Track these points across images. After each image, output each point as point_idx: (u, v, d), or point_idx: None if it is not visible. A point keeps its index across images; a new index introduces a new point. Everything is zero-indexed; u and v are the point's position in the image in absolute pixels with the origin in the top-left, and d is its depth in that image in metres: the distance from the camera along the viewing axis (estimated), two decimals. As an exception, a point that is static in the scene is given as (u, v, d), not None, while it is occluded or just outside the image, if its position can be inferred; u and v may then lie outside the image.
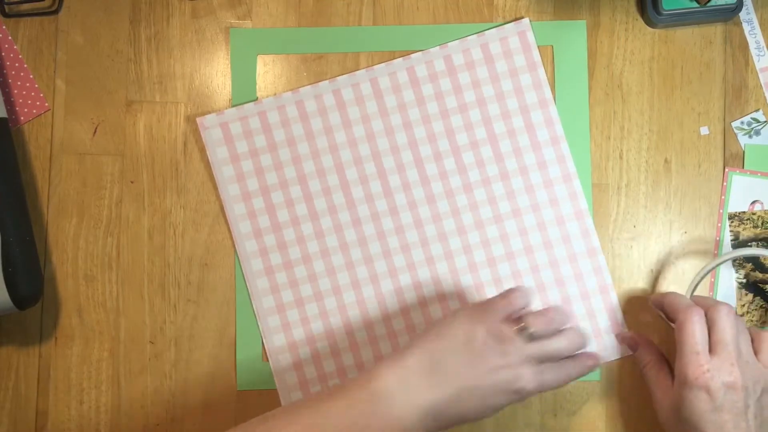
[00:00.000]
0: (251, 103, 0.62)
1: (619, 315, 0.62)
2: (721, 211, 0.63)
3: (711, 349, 0.52)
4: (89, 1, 0.64)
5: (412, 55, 0.62)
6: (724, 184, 0.63)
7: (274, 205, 0.62)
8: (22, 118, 0.64)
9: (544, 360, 0.53)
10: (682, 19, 0.62)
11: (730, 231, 0.62)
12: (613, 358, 0.62)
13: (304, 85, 0.63)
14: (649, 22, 0.63)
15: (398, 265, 0.62)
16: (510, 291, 0.55)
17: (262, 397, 0.62)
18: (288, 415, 0.50)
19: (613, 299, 0.62)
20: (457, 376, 0.51)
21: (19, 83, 0.64)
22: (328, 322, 0.61)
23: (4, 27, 0.64)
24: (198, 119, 0.62)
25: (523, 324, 0.53)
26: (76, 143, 0.64)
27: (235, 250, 0.62)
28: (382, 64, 0.62)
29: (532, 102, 0.62)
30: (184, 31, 0.64)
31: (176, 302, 0.63)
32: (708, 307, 0.54)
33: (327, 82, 0.62)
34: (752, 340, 0.54)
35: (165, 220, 0.63)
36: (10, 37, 0.64)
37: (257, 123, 0.62)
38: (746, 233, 0.62)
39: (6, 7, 0.63)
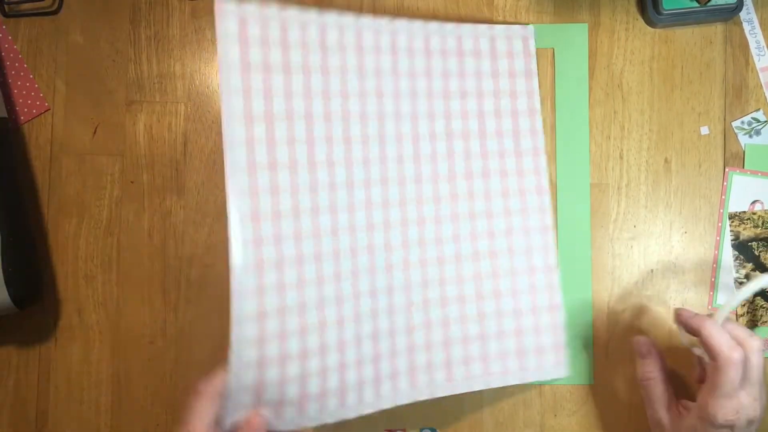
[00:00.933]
0: (275, 7, 0.55)
1: (562, 337, 0.61)
2: (721, 211, 0.63)
3: (741, 384, 0.52)
4: (89, 1, 0.64)
5: (431, 24, 0.60)
6: (725, 183, 0.63)
7: (275, 139, 0.54)
8: (22, 118, 0.64)
9: None
10: (682, 19, 0.62)
11: (731, 231, 0.62)
12: (551, 377, 0.60)
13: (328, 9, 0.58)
14: (649, 22, 0.63)
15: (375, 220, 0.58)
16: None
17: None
18: None
19: (560, 319, 0.61)
20: None
21: (19, 83, 0.64)
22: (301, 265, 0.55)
23: (4, 27, 0.64)
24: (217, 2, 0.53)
25: None
26: (76, 143, 0.64)
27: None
28: (404, 21, 0.59)
29: (522, 108, 0.62)
30: (184, 31, 0.64)
31: (176, 302, 0.63)
32: (742, 340, 0.52)
33: (352, 17, 0.57)
34: None
35: (165, 220, 0.63)
36: (10, 37, 0.64)
37: (276, 32, 0.55)
38: (746, 233, 0.62)
39: (6, 7, 0.63)
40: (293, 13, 0.55)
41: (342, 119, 0.57)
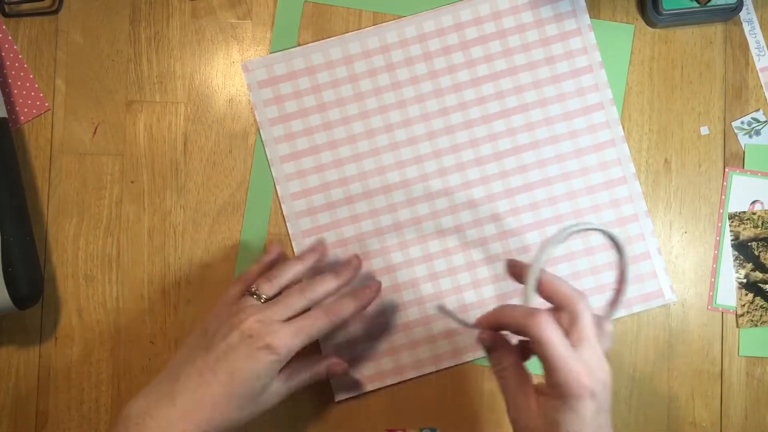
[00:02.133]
0: (296, 48, 0.63)
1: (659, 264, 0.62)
2: (721, 211, 0.63)
3: (575, 346, 0.45)
4: (89, 1, 0.64)
5: (459, 4, 0.63)
6: (724, 183, 0.63)
7: (317, 146, 0.62)
8: (22, 118, 0.64)
9: (285, 314, 0.53)
10: (682, 19, 0.62)
11: (730, 231, 0.62)
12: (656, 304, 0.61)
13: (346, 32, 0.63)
14: (649, 22, 0.63)
15: (440, 208, 0.62)
16: (239, 277, 0.58)
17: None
18: None
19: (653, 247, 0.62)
20: (194, 368, 0.51)
21: (19, 83, 0.64)
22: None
23: (4, 27, 0.64)
24: (242, 63, 0.63)
25: (250, 290, 0.55)
26: (76, 143, 0.64)
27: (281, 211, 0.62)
28: (428, 12, 0.63)
29: (582, 66, 0.63)
30: (184, 31, 0.64)
31: (176, 302, 0.63)
32: (567, 301, 0.47)
33: (372, 27, 0.63)
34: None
35: (165, 220, 0.63)
36: (10, 37, 0.64)
37: (301, 64, 0.63)
38: (746, 233, 0.62)
39: (6, 7, 0.63)
40: (313, 46, 0.63)
41: (379, 113, 0.63)
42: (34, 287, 0.59)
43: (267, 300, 0.54)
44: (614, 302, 0.51)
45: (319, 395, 0.62)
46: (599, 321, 0.48)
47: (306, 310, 0.54)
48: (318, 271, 0.59)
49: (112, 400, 0.63)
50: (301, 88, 0.63)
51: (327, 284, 0.55)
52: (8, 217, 0.58)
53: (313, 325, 0.53)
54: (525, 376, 0.48)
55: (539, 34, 0.62)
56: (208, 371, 0.51)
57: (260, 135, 0.63)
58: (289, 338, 0.51)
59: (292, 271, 0.56)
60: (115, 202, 0.63)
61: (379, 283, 0.59)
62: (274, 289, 0.55)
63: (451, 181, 0.62)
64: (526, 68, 0.62)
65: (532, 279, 0.47)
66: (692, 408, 0.62)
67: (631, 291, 0.61)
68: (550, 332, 0.45)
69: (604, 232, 0.48)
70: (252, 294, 0.54)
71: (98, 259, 0.63)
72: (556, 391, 0.44)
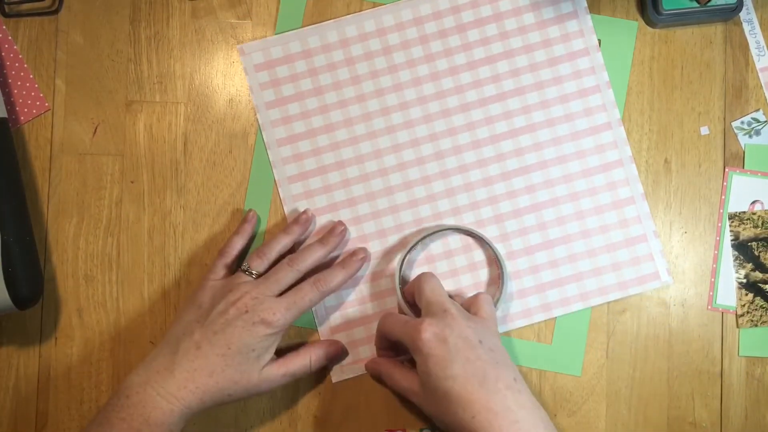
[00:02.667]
0: (292, 31, 0.63)
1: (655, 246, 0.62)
2: (721, 211, 0.63)
3: (422, 315, 0.55)
4: (89, 1, 0.64)
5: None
6: (724, 184, 0.63)
7: (314, 129, 0.63)
8: (22, 118, 0.64)
9: (277, 288, 0.57)
10: (682, 19, 0.62)
11: (730, 231, 0.62)
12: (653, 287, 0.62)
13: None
14: (649, 22, 0.63)
15: (436, 191, 0.62)
16: (221, 249, 0.60)
17: (261, 396, 0.62)
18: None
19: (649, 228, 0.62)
20: (191, 342, 0.55)
21: (19, 83, 0.64)
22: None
23: (4, 27, 0.64)
24: (238, 46, 0.63)
25: (242, 267, 0.58)
26: (76, 143, 0.64)
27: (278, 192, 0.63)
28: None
29: (578, 48, 0.63)
30: (184, 31, 0.64)
31: (176, 302, 0.63)
32: (413, 284, 0.58)
33: (369, 11, 0.63)
34: (470, 306, 0.57)
35: (165, 220, 0.63)
36: (10, 37, 0.64)
37: (298, 47, 0.63)
38: (746, 233, 0.62)
39: (6, 7, 0.63)
40: (309, 29, 0.63)
41: (376, 96, 0.63)
42: (34, 287, 0.59)
43: (258, 275, 0.58)
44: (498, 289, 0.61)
45: (320, 395, 0.62)
46: (473, 298, 0.58)
47: (299, 281, 0.58)
48: (303, 241, 0.62)
49: (112, 400, 0.63)
50: (298, 72, 0.63)
51: (315, 254, 0.59)
52: (8, 217, 0.58)
53: (305, 298, 0.57)
54: (403, 366, 0.57)
55: (535, 17, 0.62)
56: (206, 343, 0.54)
57: (261, 133, 0.63)
58: (282, 312, 0.56)
59: (280, 245, 0.60)
60: (115, 202, 0.63)
61: (365, 250, 0.61)
62: (265, 265, 0.58)
63: (448, 164, 0.62)
64: (522, 51, 0.62)
65: (397, 276, 0.61)
66: (692, 408, 0.62)
67: (627, 273, 0.62)
68: (385, 323, 0.57)
69: (463, 231, 0.59)
70: (244, 271, 0.58)
71: (98, 259, 0.63)
72: (417, 366, 0.53)
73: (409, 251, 0.61)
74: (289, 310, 0.56)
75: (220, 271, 0.59)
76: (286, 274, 0.58)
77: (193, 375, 0.54)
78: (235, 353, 0.54)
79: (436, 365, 0.52)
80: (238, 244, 0.61)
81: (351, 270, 0.60)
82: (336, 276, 0.59)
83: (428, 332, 0.52)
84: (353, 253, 0.61)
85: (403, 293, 0.61)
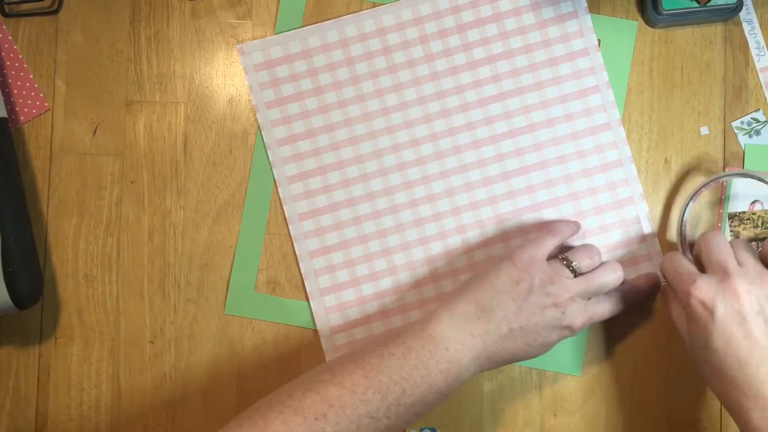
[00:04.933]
0: (292, 31, 0.63)
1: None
2: (721, 211, 0.63)
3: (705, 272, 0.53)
4: (89, 1, 0.64)
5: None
6: (724, 183, 0.63)
7: (314, 129, 0.63)
8: (22, 118, 0.64)
9: (590, 295, 0.56)
10: (682, 19, 0.62)
11: (730, 231, 0.62)
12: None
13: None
14: (649, 22, 0.63)
15: (436, 191, 0.62)
16: (550, 226, 0.59)
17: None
18: (351, 358, 0.52)
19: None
20: (504, 319, 0.53)
21: (19, 83, 0.64)
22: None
23: (4, 27, 0.64)
24: (238, 46, 0.63)
25: (567, 260, 0.56)
26: (76, 143, 0.64)
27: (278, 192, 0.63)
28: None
29: (578, 48, 0.63)
30: (184, 31, 0.64)
31: (176, 302, 0.63)
32: (698, 243, 0.56)
33: (368, 10, 0.63)
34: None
35: (165, 220, 0.63)
36: (10, 37, 0.64)
37: (297, 47, 0.63)
38: (746, 233, 0.62)
39: (6, 7, 0.63)
40: (309, 29, 0.63)
41: (375, 96, 0.62)
42: (34, 287, 0.59)
43: (578, 275, 0.56)
44: None
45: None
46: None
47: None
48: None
49: (112, 400, 0.63)
50: (298, 71, 0.63)
51: (617, 274, 0.57)
52: (8, 217, 0.58)
53: (602, 315, 0.57)
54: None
55: (535, 17, 0.62)
56: (518, 330, 0.54)
57: (261, 133, 0.63)
58: (584, 321, 0.55)
59: (599, 255, 0.58)
60: (115, 202, 0.63)
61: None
62: (589, 269, 0.57)
63: (448, 164, 0.62)
64: (522, 51, 0.62)
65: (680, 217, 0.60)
66: (692, 408, 0.62)
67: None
68: (670, 264, 0.56)
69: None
70: (567, 265, 0.56)
71: (98, 259, 0.63)
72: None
73: (692, 198, 0.60)
74: (588, 322, 0.56)
75: (547, 249, 0.57)
76: (603, 286, 0.56)
77: (499, 350, 0.54)
78: (538, 347, 0.55)
79: (698, 332, 0.51)
80: (566, 231, 0.59)
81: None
82: (623, 303, 0.59)
83: (696, 297, 0.51)
84: (644, 276, 0.61)
85: (684, 248, 0.60)
